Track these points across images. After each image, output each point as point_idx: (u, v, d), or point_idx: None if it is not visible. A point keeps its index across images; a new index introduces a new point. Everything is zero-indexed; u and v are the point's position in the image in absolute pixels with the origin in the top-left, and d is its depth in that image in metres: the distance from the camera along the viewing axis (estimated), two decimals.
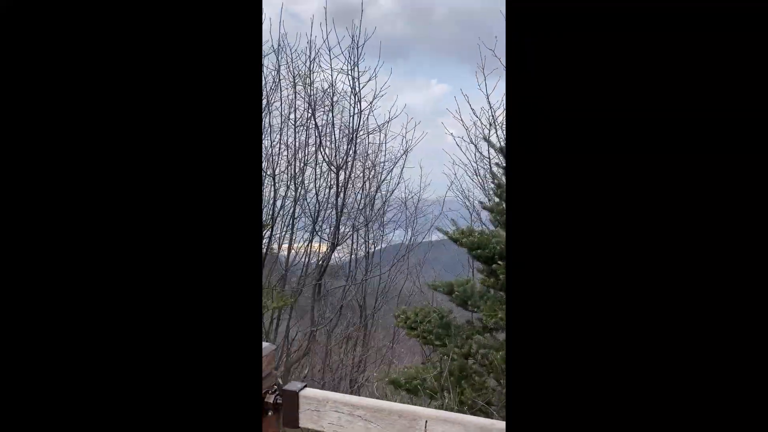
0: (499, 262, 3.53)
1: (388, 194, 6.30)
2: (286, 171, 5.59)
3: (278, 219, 5.80)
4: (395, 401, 4.35)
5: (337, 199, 5.80)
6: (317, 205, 5.81)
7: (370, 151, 6.18)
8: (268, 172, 5.55)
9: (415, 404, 4.01)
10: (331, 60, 5.62)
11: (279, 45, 5.65)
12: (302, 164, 5.72)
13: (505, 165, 3.55)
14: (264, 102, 5.51)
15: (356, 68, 5.58)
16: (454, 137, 5.37)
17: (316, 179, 5.85)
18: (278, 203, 5.76)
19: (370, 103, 5.75)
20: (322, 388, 6.00)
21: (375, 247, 8.47)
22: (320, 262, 5.86)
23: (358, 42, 5.55)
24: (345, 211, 6.43)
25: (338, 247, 7.64)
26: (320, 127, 5.69)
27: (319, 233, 6.02)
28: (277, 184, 5.68)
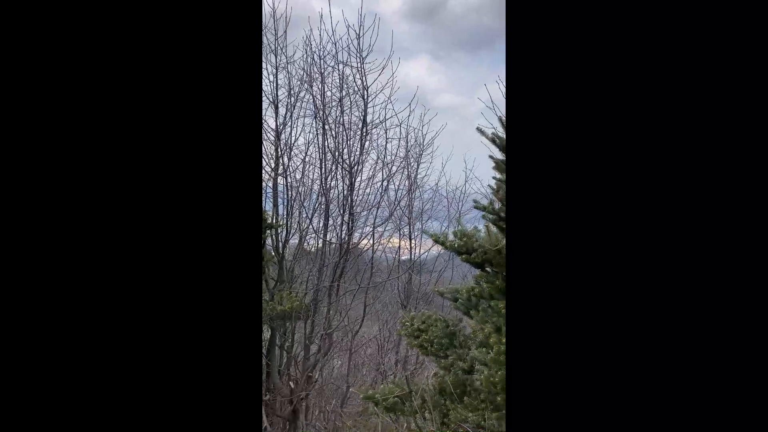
0: (487, 269, 3.14)
1: (399, 189, 5.96)
2: (319, 176, 5.43)
3: (298, 219, 5.66)
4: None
5: (351, 198, 5.56)
6: (325, 203, 5.59)
7: (389, 146, 5.89)
8: (277, 170, 5.41)
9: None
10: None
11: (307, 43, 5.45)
12: (331, 163, 5.54)
13: (497, 157, 3.15)
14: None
15: (363, 62, 5.29)
16: (481, 131, 4.91)
17: (330, 175, 5.65)
18: (306, 206, 5.63)
19: (388, 96, 5.47)
20: (345, 391, 5.74)
21: (417, 245, 8.18)
22: (337, 263, 5.65)
23: (361, 35, 5.26)
24: (384, 205, 6.20)
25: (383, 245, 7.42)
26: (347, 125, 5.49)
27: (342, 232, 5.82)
28: (290, 182, 5.53)
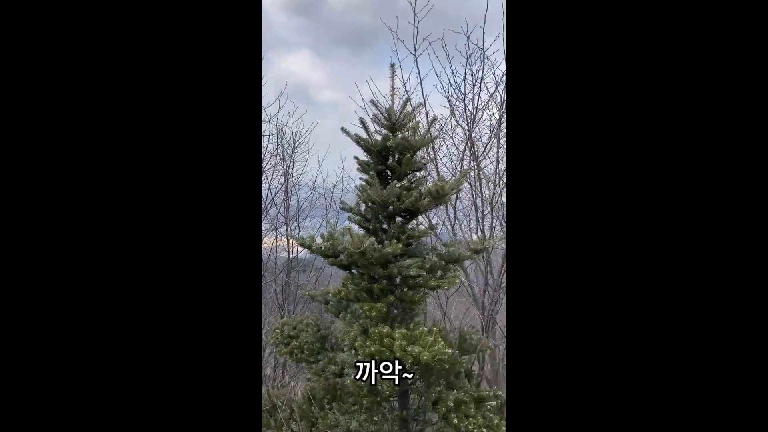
0: (353, 270, 3.12)
1: (272, 187, 5.79)
2: None
3: None
4: None
5: None
6: None
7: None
8: None
9: None
10: None
11: None
12: None
13: (366, 160, 3.14)
14: None
15: None
16: (345, 131, 4.89)
17: None
18: None
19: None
20: None
21: (296, 244, 7.97)
22: None
23: None
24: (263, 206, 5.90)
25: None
26: None
27: None
28: None
